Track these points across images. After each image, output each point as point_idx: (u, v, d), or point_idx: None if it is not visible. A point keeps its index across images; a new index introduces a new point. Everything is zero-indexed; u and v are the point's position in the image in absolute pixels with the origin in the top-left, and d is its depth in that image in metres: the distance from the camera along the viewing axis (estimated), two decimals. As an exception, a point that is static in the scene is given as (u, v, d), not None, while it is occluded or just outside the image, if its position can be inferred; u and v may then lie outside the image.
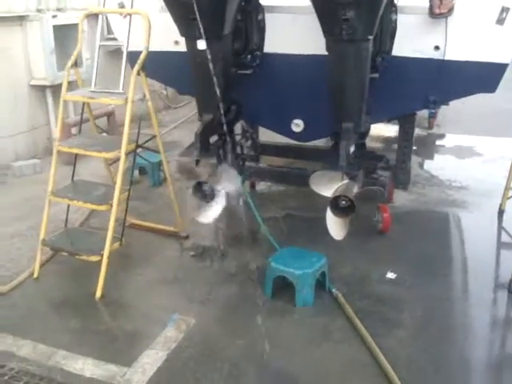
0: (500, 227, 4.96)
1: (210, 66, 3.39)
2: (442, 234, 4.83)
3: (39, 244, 4.04)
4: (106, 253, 3.79)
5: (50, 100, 6.52)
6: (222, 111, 3.59)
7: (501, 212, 5.08)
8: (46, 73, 6.30)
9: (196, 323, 3.53)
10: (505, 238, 4.83)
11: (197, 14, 3.27)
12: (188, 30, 3.51)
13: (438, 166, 6.40)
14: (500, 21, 3.52)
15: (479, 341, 3.44)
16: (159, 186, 5.75)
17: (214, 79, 3.47)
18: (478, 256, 4.40)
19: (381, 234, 4.65)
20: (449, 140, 7.34)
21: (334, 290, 3.81)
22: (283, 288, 3.76)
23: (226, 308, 3.74)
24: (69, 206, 4.27)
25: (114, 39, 4.84)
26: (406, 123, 4.75)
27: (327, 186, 3.65)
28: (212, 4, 3.34)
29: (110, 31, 6.81)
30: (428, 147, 7.06)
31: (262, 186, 5.67)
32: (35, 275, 4.01)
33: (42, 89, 6.48)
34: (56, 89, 6.51)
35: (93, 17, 6.72)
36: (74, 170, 4.26)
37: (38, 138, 6.58)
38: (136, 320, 3.62)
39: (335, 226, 3.69)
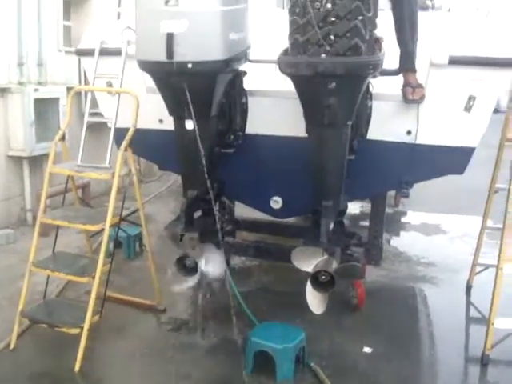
0: (468, 302, 5.13)
1: (199, 145, 3.54)
2: (413, 308, 4.98)
3: (17, 315, 4.00)
4: (86, 325, 3.78)
5: (26, 171, 6.58)
6: (209, 188, 3.72)
7: (469, 287, 5.26)
8: (24, 144, 6.38)
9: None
10: (473, 312, 4.99)
11: (188, 96, 3.45)
12: (177, 111, 3.68)
13: (406, 242, 6.62)
14: (467, 108, 3.82)
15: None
16: (134, 259, 5.78)
17: (202, 158, 3.62)
18: (450, 330, 4.53)
19: (355, 309, 4.76)
20: (414, 217, 7.62)
21: (312, 365, 3.87)
22: (263, 362, 3.80)
23: None
24: (48, 277, 4.27)
25: (97, 114, 4.98)
26: (378, 201, 4.96)
27: (308, 262, 3.77)
28: (202, 88, 3.53)
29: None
30: (395, 224, 7.31)
31: (236, 260, 5.76)
32: (12, 346, 3.96)
33: (19, 160, 6.55)
34: (33, 160, 6.61)
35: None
36: (55, 242, 4.30)
37: (11, 208, 6.58)
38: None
39: (315, 301, 3.80)
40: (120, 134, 4.17)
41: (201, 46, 3.37)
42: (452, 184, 4.91)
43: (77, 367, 3.73)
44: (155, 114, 4.29)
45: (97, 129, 6.09)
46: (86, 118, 4.24)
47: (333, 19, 3.18)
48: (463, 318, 4.88)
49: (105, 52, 4.31)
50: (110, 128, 4.29)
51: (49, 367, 3.82)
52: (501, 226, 5.03)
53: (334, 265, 3.76)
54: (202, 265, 3.91)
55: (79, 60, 6.49)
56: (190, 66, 3.37)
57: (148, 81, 4.25)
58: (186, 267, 3.89)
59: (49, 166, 4.09)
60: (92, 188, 7.15)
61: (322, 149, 3.58)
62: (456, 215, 7.56)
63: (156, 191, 8.44)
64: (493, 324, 3.96)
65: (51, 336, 4.05)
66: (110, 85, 4.39)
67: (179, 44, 3.34)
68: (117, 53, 4.26)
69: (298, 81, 3.39)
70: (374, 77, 3.42)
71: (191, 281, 3.95)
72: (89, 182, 6.74)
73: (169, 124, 4.27)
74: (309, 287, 3.76)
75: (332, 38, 3.21)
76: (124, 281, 5.19)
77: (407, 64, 3.87)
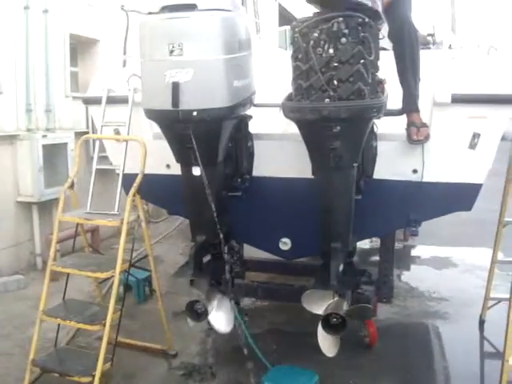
0: (482, 337, 5.07)
1: (207, 190, 3.57)
2: (426, 346, 4.91)
3: (28, 364, 3.98)
4: (97, 374, 3.76)
5: (35, 216, 6.62)
6: (220, 234, 3.74)
7: (481, 322, 5.20)
8: (33, 190, 6.45)
9: None
10: (488, 347, 4.92)
11: (194, 143, 3.49)
12: (184, 157, 3.72)
13: (417, 277, 6.57)
14: (472, 145, 3.84)
15: None
16: (144, 303, 5.76)
17: (211, 203, 3.64)
18: (464, 367, 4.48)
19: (368, 347, 4.71)
20: (424, 251, 7.58)
21: (326, 409, 3.83)
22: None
23: (219, 431, 3.71)
24: (59, 325, 4.27)
25: (105, 157, 5.03)
26: (387, 238, 4.96)
27: (318, 304, 3.75)
28: (207, 135, 3.57)
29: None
30: (405, 259, 7.27)
31: (246, 300, 5.73)
32: (23, 398, 3.94)
33: (28, 205, 6.60)
34: (41, 205, 6.66)
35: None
36: (65, 289, 4.30)
37: (21, 253, 6.61)
38: None
39: (327, 343, 3.76)
40: (128, 179, 4.21)
41: (205, 93, 3.43)
42: (460, 215, 4.91)
43: (89, 417, 3.70)
44: (162, 160, 4.34)
45: (104, 174, 6.15)
46: (95, 166, 4.29)
47: (335, 64, 3.24)
48: (477, 354, 4.82)
49: (112, 100, 4.39)
50: (118, 174, 4.35)
51: (61, 418, 3.79)
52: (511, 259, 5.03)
53: (345, 306, 3.72)
54: (212, 313, 3.88)
55: (86, 108, 6.62)
56: (195, 113, 3.42)
57: (155, 127, 4.33)
58: (196, 312, 3.86)
59: (58, 214, 4.12)
60: (100, 230, 7.18)
61: (329, 191, 3.60)
62: (465, 247, 7.52)
63: (164, 232, 8.45)
64: (507, 361, 3.89)
65: (62, 385, 4.04)
66: (117, 132, 4.46)
67: (184, 92, 3.41)
68: (123, 101, 4.34)
69: (302, 125, 3.43)
70: (378, 118, 3.45)
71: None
72: (97, 225, 6.76)
73: (176, 169, 4.31)
74: (320, 330, 3.72)
75: (335, 82, 3.26)
76: (134, 325, 5.17)
77: (410, 104, 3.92)
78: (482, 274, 6.52)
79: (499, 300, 5.13)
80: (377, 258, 5.79)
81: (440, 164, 3.93)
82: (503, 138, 3.99)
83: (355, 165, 3.54)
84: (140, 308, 5.63)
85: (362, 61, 3.24)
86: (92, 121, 6.93)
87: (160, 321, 4.72)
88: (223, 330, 3.97)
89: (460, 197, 3.98)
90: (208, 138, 3.60)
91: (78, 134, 6.67)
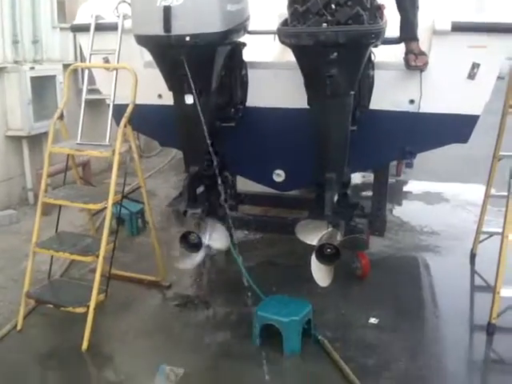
0: (473, 270, 5.13)
1: (201, 119, 3.49)
2: (417, 278, 4.98)
3: (23, 296, 4.00)
4: (92, 304, 3.77)
5: (25, 150, 6.52)
6: (212, 162, 3.69)
7: (473, 256, 5.25)
8: (22, 124, 6.31)
9: (185, 373, 3.54)
10: (478, 281, 4.99)
11: (187, 69, 3.39)
12: (176, 85, 3.62)
13: (409, 212, 6.60)
14: (471, 75, 3.75)
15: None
16: (137, 236, 5.77)
17: (204, 132, 3.57)
18: (455, 299, 4.53)
19: (360, 279, 4.75)
20: (417, 186, 7.57)
21: (319, 337, 3.87)
22: (270, 336, 3.81)
23: (214, 358, 3.74)
24: (52, 257, 4.26)
25: (94, 90, 4.91)
26: (380, 172, 4.93)
27: (312, 235, 3.75)
28: (201, 62, 3.47)
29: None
30: (397, 194, 7.27)
31: (238, 233, 5.74)
32: (19, 328, 3.95)
33: (17, 139, 6.48)
34: (31, 139, 6.55)
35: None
36: (58, 221, 4.27)
37: (13, 188, 6.54)
38: (124, 372, 3.61)
39: (320, 273, 3.79)
40: (119, 110, 4.11)
41: (198, 18, 3.32)
42: (453, 152, 4.87)
43: (84, 346, 3.73)
44: (154, 89, 4.23)
45: (94, 106, 6.04)
46: (84, 96, 4.18)
47: (334, -13, 3.11)
48: (468, 287, 4.88)
49: (100, 27, 4.24)
50: (108, 105, 4.25)
51: (56, 347, 3.82)
52: (505, 193, 5.02)
53: (339, 237, 3.73)
54: (206, 239, 3.89)
55: (74, 36, 6.42)
56: (187, 38, 3.32)
57: (146, 55, 4.20)
58: (190, 243, 3.86)
59: (48, 146, 4.04)
60: (92, 165, 7.11)
61: (325, 120, 3.54)
62: (458, 183, 7.52)
63: (157, 166, 8.40)
64: (498, 293, 3.95)
65: (57, 316, 4.06)
66: (106, 61, 4.33)
67: (176, 17, 3.29)
68: (113, 28, 4.20)
69: (298, 51, 3.34)
70: (376, 46, 3.36)
71: (196, 258, 3.93)
72: (89, 159, 6.70)
73: (168, 99, 4.21)
74: (314, 260, 3.74)
75: (333, 6, 3.15)
76: (128, 258, 5.18)
77: (408, 33, 3.81)
78: (473, 209, 6.58)
79: (491, 234, 5.17)
80: (369, 192, 5.80)
81: (438, 94, 3.86)
82: (498, 77, 3.92)
83: (352, 93, 3.46)
84: (133, 241, 5.64)
85: (360, -15, 3.12)
86: (81, 51, 6.76)
87: (153, 253, 4.74)
88: (221, 247, 3.99)
89: (457, 128, 3.93)
90: (201, 64, 3.50)
91: (67, 67, 6.44)
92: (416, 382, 3.52)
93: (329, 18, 3.16)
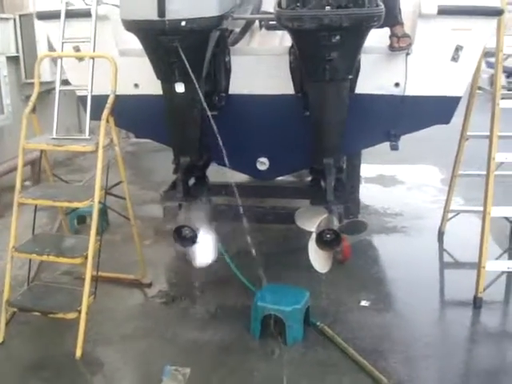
0: (441, 248, 5.29)
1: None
2: (393, 259, 5.07)
3: (3, 305, 3.71)
4: (83, 309, 3.56)
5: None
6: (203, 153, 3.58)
7: (441, 233, 5.42)
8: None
9: (192, 372, 3.42)
10: (447, 258, 5.16)
11: (182, 56, 3.25)
12: (167, 74, 3.46)
13: (368, 194, 6.67)
14: (455, 58, 3.83)
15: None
16: (104, 234, 5.50)
17: (197, 121, 3.46)
18: (432, 277, 4.69)
19: (341, 263, 4.77)
20: (370, 170, 7.68)
21: (318, 323, 3.86)
22: (266, 327, 3.75)
23: (217, 354, 3.64)
24: (30, 261, 3.99)
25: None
26: (353, 156, 4.98)
27: (311, 221, 3.72)
28: (195, 48, 3.33)
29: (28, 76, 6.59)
30: (352, 178, 7.37)
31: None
32: (0, 340, 3.68)
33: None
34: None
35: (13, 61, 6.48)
36: (34, 223, 3.99)
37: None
38: (128, 378, 3.45)
39: (320, 260, 3.77)
40: (89, 101, 3.88)
41: (194, 1, 3.18)
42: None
43: (78, 354, 3.51)
44: (130, 79, 4.04)
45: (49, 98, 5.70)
46: (58, 87, 3.91)
47: (335, -31, 3.07)
48: (443, 264, 5.06)
49: (70, 14, 3.97)
50: (80, 96, 4.01)
51: (47, 357, 3.60)
52: (471, 172, 5.22)
53: (335, 222, 3.72)
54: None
55: (17, 26, 6.06)
56: (183, 23, 3.18)
57: (121, 43, 4.02)
58: (184, 237, 3.73)
59: (21, 141, 3.74)
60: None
61: (323, 105, 3.50)
62: (408, 165, 7.72)
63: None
64: (484, 267, 4.09)
65: (40, 324, 3.84)
66: (77, 50, 4.07)
67: (171, 0, 3.13)
68: (83, 14, 3.94)
69: (299, 35, 3.26)
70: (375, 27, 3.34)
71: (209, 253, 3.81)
72: (38, 156, 6.29)
73: (145, 88, 4.07)
74: (313, 246, 3.72)
75: (334, -11, 3.10)
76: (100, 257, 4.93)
77: (390, 19, 3.81)
78: (428, 189, 6.84)
79: (458, 212, 5.35)
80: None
81: (422, 77, 3.90)
82: None
83: (350, 77, 3.45)
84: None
85: (360, -34, 3.08)
86: (22, 41, 6.40)
87: (125, 251, 4.55)
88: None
89: (440, 110, 4.00)
90: (195, 51, 3.36)
91: (10, 59, 6.10)
92: (420, 360, 3.59)
93: (330, 1, 3.11)
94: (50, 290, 3.97)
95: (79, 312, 3.56)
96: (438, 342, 3.80)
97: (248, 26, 4.48)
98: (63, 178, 5.80)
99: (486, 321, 4.04)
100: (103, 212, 5.47)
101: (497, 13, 3.73)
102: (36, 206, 3.94)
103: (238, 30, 4.29)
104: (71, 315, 3.57)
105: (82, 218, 5.61)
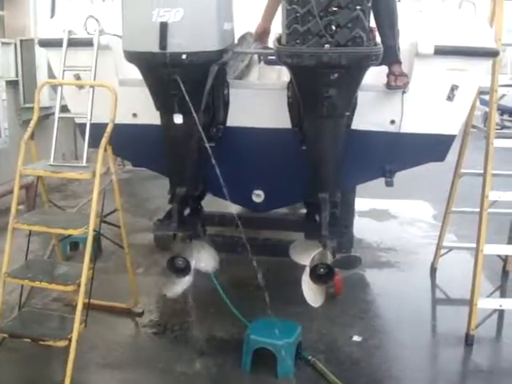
0: (434, 284, 5.30)
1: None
2: (386, 294, 5.06)
3: (-7, 331, 3.68)
4: (74, 336, 3.51)
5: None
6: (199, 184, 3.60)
7: (433, 270, 5.43)
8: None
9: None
10: (440, 294, 5.16)
11: (182, 88, 3.29)
12: (166, 105, 3.51)
13: (361, 229, 6.65)
14: (450, 97, 3.89)
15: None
16: (97, 262, 5.47)
17: (194, 153, 3.49)
18: (429, 313, 4.74)
19: (333, 297, 4.76)
20: (363, 204, 7.73)
21: (310, 358, 3.84)
22: (258, 361, 3.73)
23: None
24: (22, 287, 3.96)
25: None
26: (348, 191, 5.00)
27: (305, 255, 3.73)
28: (194, 81, 3.38)
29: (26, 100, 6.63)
30: (344, 211, 7.40)
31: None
32: (-13, 367, 3.65)
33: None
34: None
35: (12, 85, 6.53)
36: (27, 248, 3.97)
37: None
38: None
39: (312, 294, 3.77)
40: (84, 128, 3.92)
41: (196, 35, 3.24)
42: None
43: (67, 383, 3.47)
44: (128, 108, 4.07)
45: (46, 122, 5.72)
46: (58, 114, 3.94)
47: (334, 9, 3.13)
48: (436, 300, 5.06)
49: (72, 43, 4.01)
50: (78, 124, 4.04)
51: (35, 384, 3.55)
52: (465, 209, 5.26)
53: (329, 257, 3.73)
54: (193, 263, 3.77)
55: (18, 51, 6.11)
56: (184, 56, 3.23)
57: (121, 73, 4.06)
58: (178, 268, 3.72)
59: (19, 167, 3.75)
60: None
61: (321, 140, 3.54)
62: (401, 200, 7.76)
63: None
64: (476, 305, 4.09)
65: (28, 351, 3.79)
66: (77, 78, 4.11)
67: (173, 34, 3.20)
68: (85, 43, 3.99)
69: (298, 71, 3.32)
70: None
71: (183, 283, 3.79)
72: (33, 181, 6.30)
73: (143, 118, 4.11)
74: (305, 281, 3.72)
75: (333, 28, 3.16)
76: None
77: (389, 57, 3.87)
78: (421, 225, 6.87)
79: (451, 248, 5.37)
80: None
81: (418, 115, 3.96)
82: None
83: (347, 114, 3.49)
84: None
85: (360, 6, 3.15)
86: (22, 66, 6.45)
87: (118, 279, 4.52)
88: (210, 269, 3.90)
89: (435, 148, 4.06)
90: (195, 83, 3.40)
91: (9, 83, 6.14)
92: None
93: (329, 39, 3.17)
94: (41, 317, 3.94)
95: (69, 340, 3.52)
96: (430, 378, 3.81)
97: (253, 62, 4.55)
98: (57, 203, 5.82)
99: (478, 358, 4.04)
100: (97, 239, 5.48)
101: (492, 54, 3.82)
102: (30, 232, 3.92)
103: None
104: (61, 343, 3.53)
105: (75, 245, 5.61)
